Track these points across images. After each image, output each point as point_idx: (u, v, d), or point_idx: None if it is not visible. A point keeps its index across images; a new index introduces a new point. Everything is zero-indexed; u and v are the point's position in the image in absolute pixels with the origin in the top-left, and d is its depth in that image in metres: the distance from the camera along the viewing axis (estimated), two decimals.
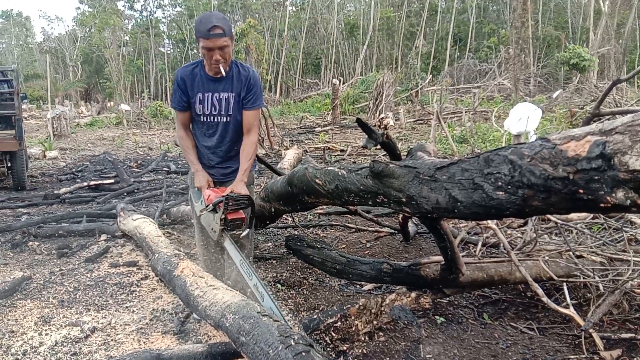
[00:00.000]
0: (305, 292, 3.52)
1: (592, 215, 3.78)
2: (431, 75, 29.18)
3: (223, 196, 2.53)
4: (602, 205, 1.40)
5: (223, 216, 2.52)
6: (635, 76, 20.50)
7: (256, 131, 2.87)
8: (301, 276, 3.82)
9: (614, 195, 1.34)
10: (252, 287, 2.37)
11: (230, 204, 2.51)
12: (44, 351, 2.67)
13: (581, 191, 1.41)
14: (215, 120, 2.83)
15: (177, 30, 53.36)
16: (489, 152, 1.73)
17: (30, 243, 4.70)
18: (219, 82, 2.74)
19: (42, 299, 3.42)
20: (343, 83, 28.99)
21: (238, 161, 2.93)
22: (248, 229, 2.69)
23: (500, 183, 1.64)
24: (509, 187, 1.60)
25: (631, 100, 11.94)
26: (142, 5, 55.23)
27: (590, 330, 2.59)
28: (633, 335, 2.66)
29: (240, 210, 2.58)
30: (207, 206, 2.61)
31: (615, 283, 2.85)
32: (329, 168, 2.67)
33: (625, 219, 3.72)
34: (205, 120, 2.84)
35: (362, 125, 2.66)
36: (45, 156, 11.28)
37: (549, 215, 3.55)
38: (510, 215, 1.74)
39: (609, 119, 1.91)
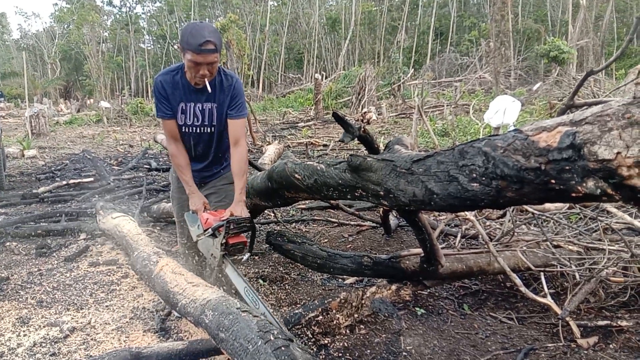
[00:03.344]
0: (287, 287, 3.52)
1: (568, 205, 3.84)
2: (413, 69, 29.28)
3: (223, 220, 2.39)
4: (573, 195, 1.41)
5: (224, 241, 2.38)
6: (611, 67, 20.81)
7: (244, 142, 2.72)
8: (283, 271, 3.82)
9: (584, 184, 1.35)
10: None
11: (232, 227, 2.37)
12: (22, 352, 2.63)
13: (553, 181, 1.42)
14: (199, 130, 2.71)
15: (157, 26, 52.83)
16: (463, 144, 1.73)
17: (7, 243, 4.63)
18: (202, 92, 2.61)
19: (20, 299, 3.37)
20: (326, 78, 29.03)
21: (220, 164, 2.88)
22: (249, 254, 2.53)
23: (474, 175, 1.64)
24: (483, 178, 1.61)
25: (608, 91, 12.11)
26: (121, 1, 54.78)
27: (568, 319, 2.64)
28: (609, 322, 2.71)
29: (242, 233, 2.45)
30: (205, 230, 2.47)
31: (591, 272, 2.90)
32: (307, 162, 2.65)
33: (600, 209, 3.78)
34: (187, 130, 2.71)
35: (338, 119, 2.65)
36: (23, 155, 11.08)
37: (526, 206, 3.60)
38: (485, 207, 1.75)
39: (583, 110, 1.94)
